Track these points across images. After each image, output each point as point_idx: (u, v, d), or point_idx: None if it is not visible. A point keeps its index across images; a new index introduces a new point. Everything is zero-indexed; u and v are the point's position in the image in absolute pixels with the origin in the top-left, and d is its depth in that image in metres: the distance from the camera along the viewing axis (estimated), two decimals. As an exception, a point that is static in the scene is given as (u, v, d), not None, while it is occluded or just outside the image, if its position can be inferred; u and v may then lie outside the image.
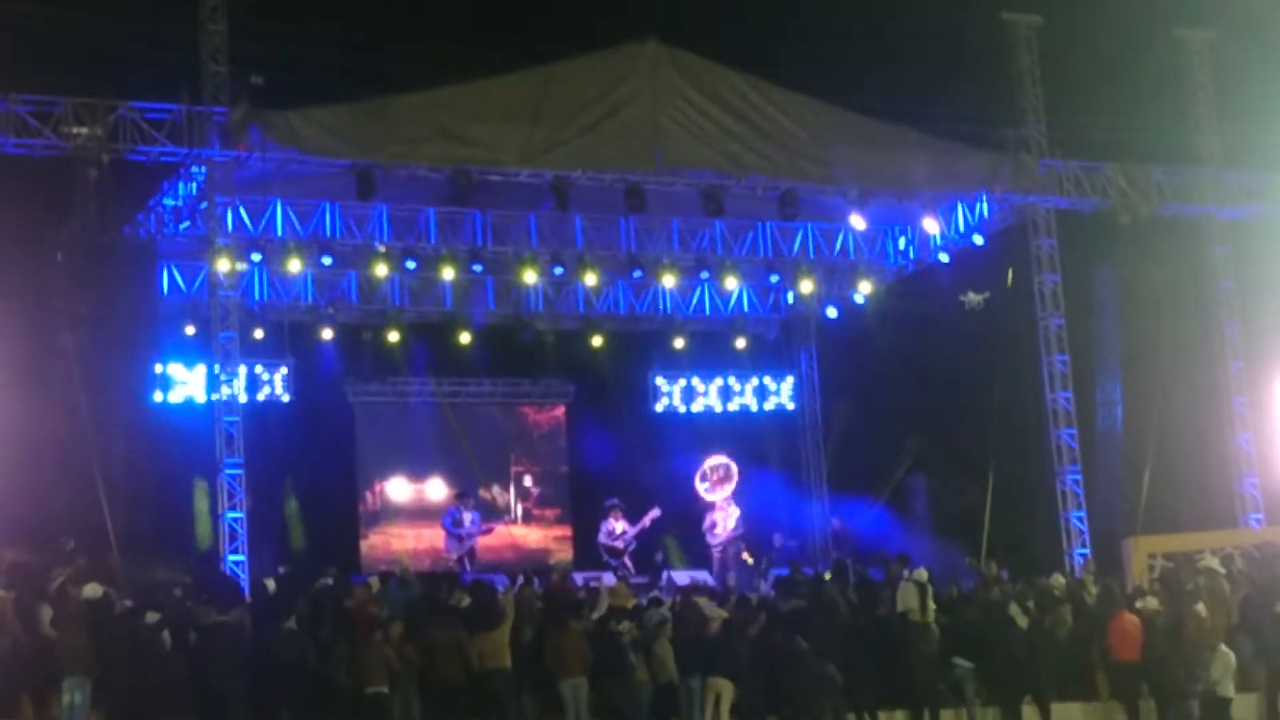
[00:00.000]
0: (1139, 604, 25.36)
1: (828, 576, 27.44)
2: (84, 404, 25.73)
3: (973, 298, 32.42)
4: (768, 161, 28.99)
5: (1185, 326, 31.44)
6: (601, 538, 31.78)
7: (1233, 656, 24.10)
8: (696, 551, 32.88)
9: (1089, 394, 31.63)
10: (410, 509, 34.62)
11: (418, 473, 34.78)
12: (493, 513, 34.12)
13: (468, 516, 30.96)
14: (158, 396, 31.35)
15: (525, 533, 35.30)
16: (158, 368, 31.25)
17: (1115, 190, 31.23)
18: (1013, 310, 31.04)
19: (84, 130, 25.58)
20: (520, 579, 25.77)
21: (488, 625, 22.55)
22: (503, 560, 33.22)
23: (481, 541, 31.48)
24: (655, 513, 31.78)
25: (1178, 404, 30.72)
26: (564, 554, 34.85)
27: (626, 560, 31.41)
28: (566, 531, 35.59)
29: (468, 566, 30.08)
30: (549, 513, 35.85)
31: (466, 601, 23.87)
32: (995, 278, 31.47)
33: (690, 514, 33.18)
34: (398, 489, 34.72)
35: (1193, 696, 24.30)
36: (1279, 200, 31.96)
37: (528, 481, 35.76)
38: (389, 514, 34.58)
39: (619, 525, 31.63)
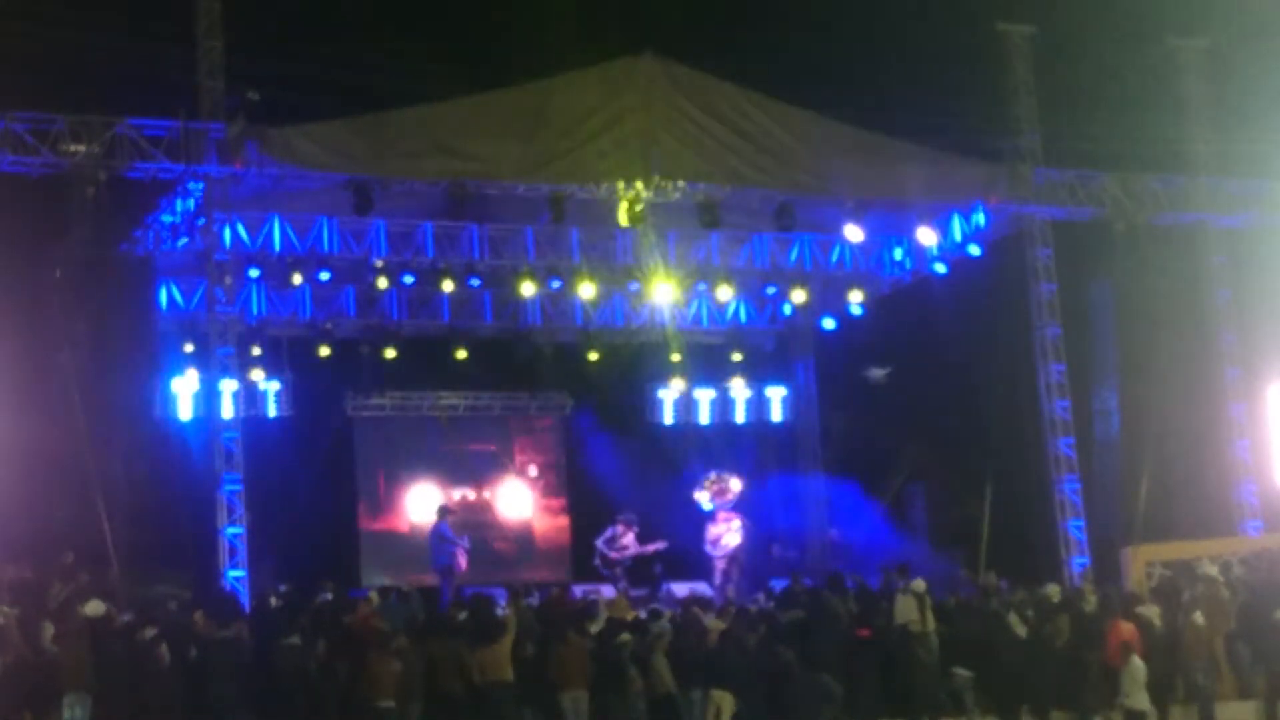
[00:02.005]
0: (1137, 611, 25.38)
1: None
2: (83, 421, 25.71)
3: (876, 372, 32.76)
4: (763, 174, 29.04)
5: (1182, 335, 31.43)
6: (600, 543, 31.82)
7: (1143, 669, 23.85)
8: (696, 564, 32.90)
9: (1086, 403, 31.63)
10: (408, 522, 34.62)
11: (416, 486, 34.78)
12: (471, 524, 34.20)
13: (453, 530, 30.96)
14: (156, 413, 31.36)
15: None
16: (156, 384, 31.25)
17: (1111, 199, 31.30)
18: (1010, 320, 31.06)
19: (81, 148, 25.63)
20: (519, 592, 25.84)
21: (489, 639, 22.57)
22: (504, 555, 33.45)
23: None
24: (661, 545, 31.83)
25: (1175, 412, 30.71)
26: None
27: (618, 573, 31.43)
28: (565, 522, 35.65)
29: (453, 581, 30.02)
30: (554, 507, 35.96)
31: (466, 616, 23.92)
32: (988, 290, 31.46)
33: (689, 526, 33.22)
34: (396, 503, 34.73)
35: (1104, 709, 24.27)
36: (1275, 208, 32.00)
37: (526, 493, 35.83)
38: (387, 527, 34.60)
39: (625, 538, 31.68)
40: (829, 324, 35.20)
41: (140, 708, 20.83)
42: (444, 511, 31.15)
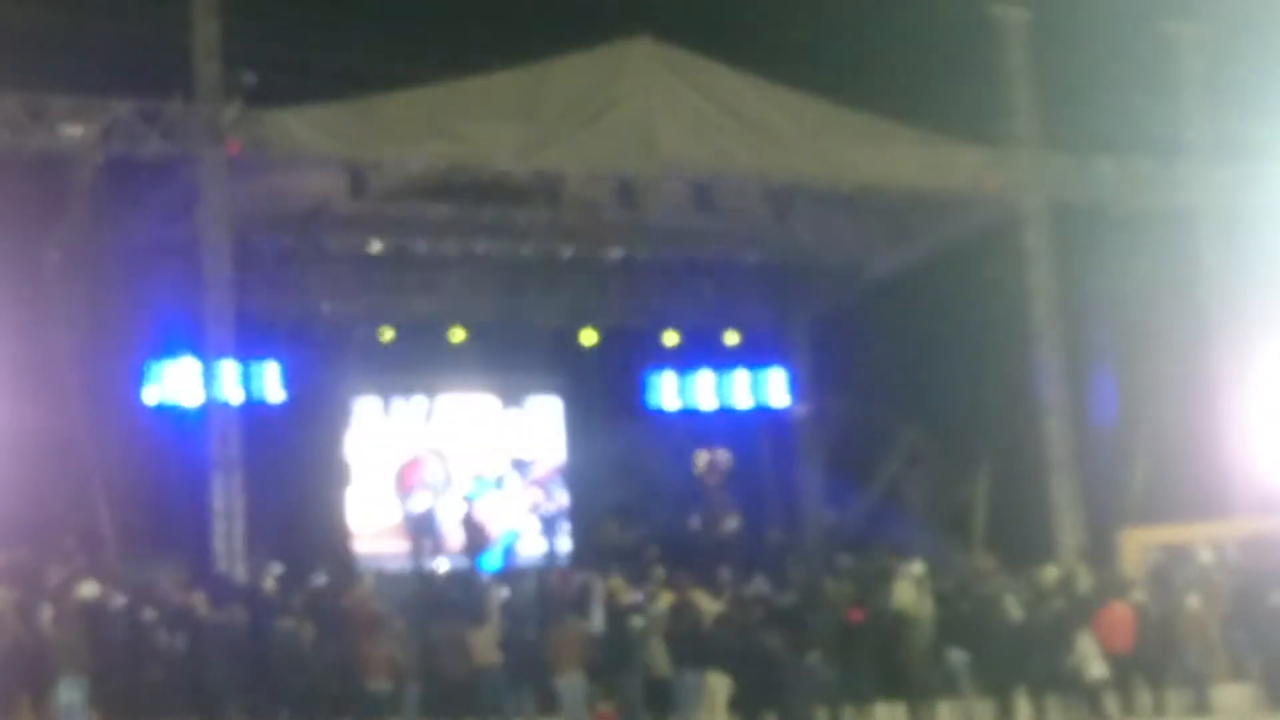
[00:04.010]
0: (1131, 595, 25.44)
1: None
2: (79, 404, 25.74)
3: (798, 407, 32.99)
4: (761, 158, 29.06)
5: (1178, 319, 31.46)
6: (591, 535, 32.07)
7: (1091, 640, 24.14)
8: (692, 547, 32.98)
9: (1082, 387, 31.69)
10: (405, 505, 34.64)
11: (413, 468, 34.82)
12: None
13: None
14: (152, 396, 31.38)
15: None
16: (152, 367, 31.27)
17: (1107, 183, 31.32)
18: (1006, 304, 31.09)
19: (78, 129, 25.58)
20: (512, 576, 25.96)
21: (476, 622, 22.66)
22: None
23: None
24: (650, 531, 32.00)
25: (1170, 396, 30.78)
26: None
27: (611, 561, 31.60)
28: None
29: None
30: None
31: (455, 596, 24.06)
32: (985, 274, 31.47)
33: (685, 509, 33.32)
34: (392, 485, 34.75)
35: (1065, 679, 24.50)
36: (1269, 192, 32.01)
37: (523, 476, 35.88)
38: (383, 511, 34.62)
39: (611, 528, 31.91)
40: (826, 308, 35.25)
41: (137, 689, 20.86)
42: (469, 500, 31.39)
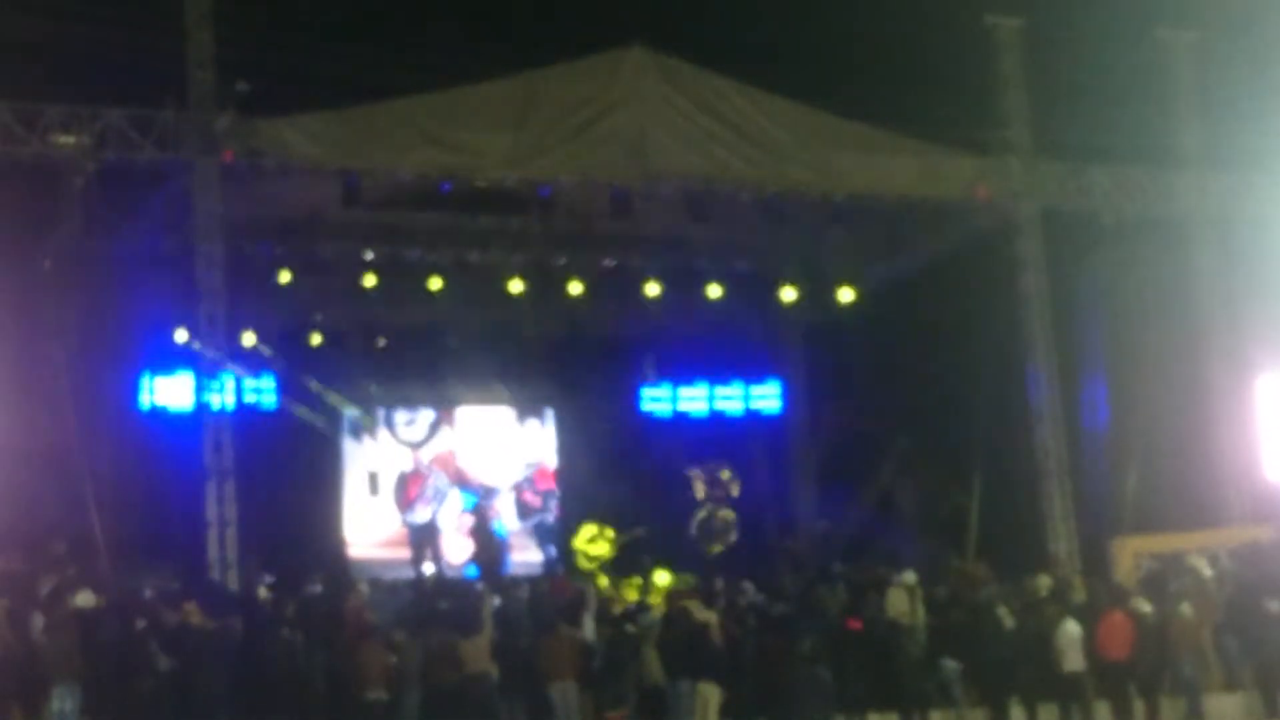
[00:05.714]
0: (1130, 603, 25.43)
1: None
2: (73, 412, 25.73)
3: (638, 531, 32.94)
4: (753, 166, 29.07)
5: (1170, 327, 31.51)
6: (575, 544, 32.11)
7: (1077, 629, 24.22)
8: (686, 555, 32.95)
9: (1075, 395, 31.70)
10: (398, 514, 34.62)
11: (409, 477, 34.79)
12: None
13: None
14: (145, 404, 31.36)
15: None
16: (145, 375, 31.25)
17: (1100, 192, 31.34)
18: (999, 313, 31.11)
19: (71, 138, 25.59)
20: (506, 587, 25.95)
21: (470, 631, 22.66)
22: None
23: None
24: (639, 533, 31.94)
25: (1163, 404, 30.80)
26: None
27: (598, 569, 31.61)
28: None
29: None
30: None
31: (448, 606, 24.06)
32: (978, 283, 31.48)
33: (678, 518, 33.25)
34: (387, 494, 34.72)
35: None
36: (1262, 201, 32.06)
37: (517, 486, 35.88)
38: (381, 520, 34.61)
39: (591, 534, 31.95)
40: (818, 317, 35.23)
41: (130, 698, 20.84)
42: (482, 509, 31.46)
